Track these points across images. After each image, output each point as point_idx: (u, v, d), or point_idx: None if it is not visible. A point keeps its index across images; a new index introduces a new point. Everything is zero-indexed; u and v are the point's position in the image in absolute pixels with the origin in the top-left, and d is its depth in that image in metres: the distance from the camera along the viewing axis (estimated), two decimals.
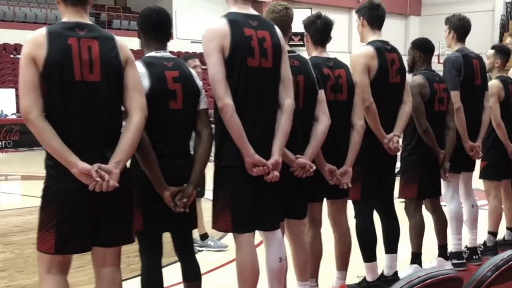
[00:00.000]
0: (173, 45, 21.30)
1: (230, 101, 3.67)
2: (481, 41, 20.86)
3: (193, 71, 3.94)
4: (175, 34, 26.41)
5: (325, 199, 4.76)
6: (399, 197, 5.46)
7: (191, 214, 3.88)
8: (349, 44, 31.18)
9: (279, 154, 3.84)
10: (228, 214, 3.84)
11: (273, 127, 3.85)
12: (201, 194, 5.78)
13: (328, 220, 4.89)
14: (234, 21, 3.75)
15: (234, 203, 3.82)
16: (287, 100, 3.87)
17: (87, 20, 3.37)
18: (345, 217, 4.87)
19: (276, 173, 3.82)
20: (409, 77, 5.18)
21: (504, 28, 31.06)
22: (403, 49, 28.40)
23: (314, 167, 4.22)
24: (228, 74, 3.69)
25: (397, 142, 4.89)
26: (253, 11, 3.87)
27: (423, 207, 5.62)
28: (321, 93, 4.31)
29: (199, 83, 3.93)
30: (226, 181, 3.84)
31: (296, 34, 26.27)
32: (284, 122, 3.86)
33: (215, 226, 3.96)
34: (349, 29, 30.90)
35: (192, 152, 3.90)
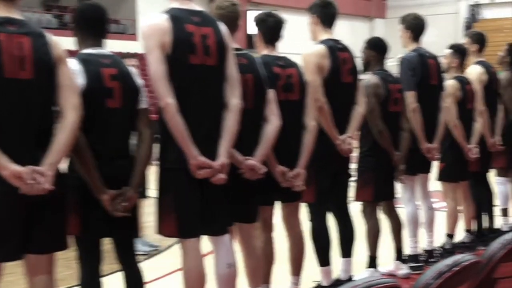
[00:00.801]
0: (137, 46, 21.05)
1: (172, 100, 3.52)
2: (446, 44, 20.84)
3: (133, 69, 3.78)
4: (140, 35, 26.06)
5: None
6: (355, 200, 5.34)
7: (133, 219, 3.71)
8: None
9: (226, 155, 3.70)
10: (172, 218, 3.67)
11: (219, 128, 3.70)
12: (142, 195, 5.59)
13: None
14: (175, 17, 3.60)
15: (179, 207, 3.66)
16: (234, 99, 3.73)
17: (17, 15, 3.20)
18: (299, 221, 4.73)
19: (223, 175, 3.68)
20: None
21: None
22: None
23: (265, 169, 4.09)
24: (170, 72, 3.53)
25: (350, 143, 4.77)
26: (195, 7, 3.72)
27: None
28: (271, 93, 4.18)
29: (139, 81, 3.76)
30: (170, 184, 3.68)
31: None
32: (230, 123, 3.71)
33: (159, 231, 3.79)
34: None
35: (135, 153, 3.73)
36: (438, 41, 15.61)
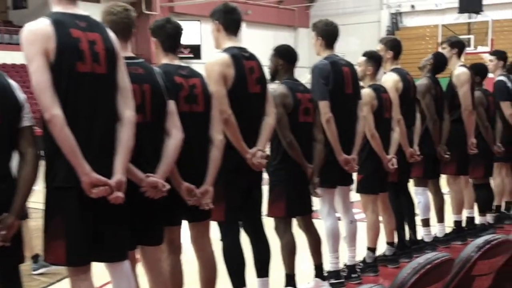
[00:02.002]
0: None
1: (58, 111, 3.18)
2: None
3: (13, 83, 3.40)
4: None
5: None
6: (268, 215, 5.07)
7: (15, 247, 3.33)
8: None
9: (122, 172, 3.39)
10: (60, 244, 3.32)
11: (113, 142, 3.39)
12: (24, 216, 5.15)
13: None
14: (59, 21, 3.26)
15: (68, 232, 3.32)
16: (127, 111, 3.44)
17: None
18: (209, 241, 4.43)
19: (120, 194, 3.36)
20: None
21: None
22: None
23: (168, 186, 3.78)
24: (55, 81, 3.20)
25: (261, 157, 4.50)
26: (80, 11, 3.39)
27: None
28: (171, 104, 3.89)
29: (21, 95, 3.39)
30: (59, 205, 3.34)
31: (186, 46, 25.88)
32: (125, 136, 3.41)
33: (45, 258, 3.44)
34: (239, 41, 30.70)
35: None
36: (361, 49, 15.54)
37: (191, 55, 26.83)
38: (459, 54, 6.97)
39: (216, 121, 4.20)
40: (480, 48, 21.58)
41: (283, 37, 32.31)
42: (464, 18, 25.94)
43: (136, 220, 3.73)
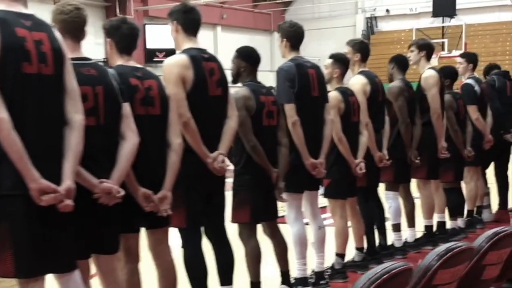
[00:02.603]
0: None
1: (5, 115, 3.02)
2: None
3: None
4: None
5: None
6: (231, 221, 4.94)
7: None
8: None
9: (71, 178, 3.24)
10: (8, 256, 3.15)
11: (61, 147, 3.25)
12: None
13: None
14: (2, 19, 3.10)
15: (16, 242, 3.14)
16: (76, 115, 3.29)
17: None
18: (168, 248, 4.28)
19: (69, 201, 3.21)
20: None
21: None
22: (269, 64, 28.51)
23: (123, 193, 3.64)
24: (0, 82, 3.04)
25: (223, 161, 4.36)
26: (25, 10, 3.23)
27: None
28: (126, 107, 3.75)
29: None
30: (4, 214, 3.15)
31: (161, 50, 25.67)
32: (74, 141, 3.27)
33: None
34: (214, 45, 30.58)
35: None
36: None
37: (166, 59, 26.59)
38: (427, 57, 6.87)
39: (174, 124, 4.07)
40: (454, 52, 21.61)
41: (259, 41, 32.14)
42: (438, 22, 26.02)
43: (89, 228, 3.59)
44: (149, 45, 24.94)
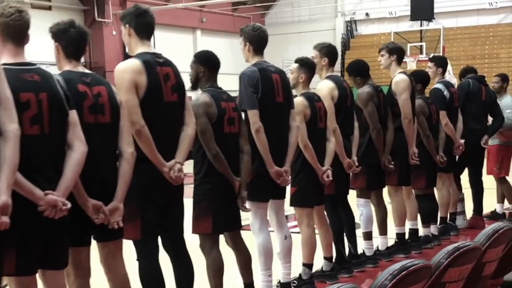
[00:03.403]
0: None
1: None
2: None
3: None
4: None
5: None
6: (193, 232, 4.77)
7: None
8: None
9: (7, 193, 3.04)
10: None
11: None
12: None
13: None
14: None
15: None
16: (10, 125, 3.11)
17: None
18: (121, 262, 4.09)
19: (5, 218, 3.02)
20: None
21: (345, 47, 31.71)
22: None
23: (69, 205, 3.45)
24: None
25: (180, 170, 4.19)
26: None
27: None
28: (73, 114, 3.56)
29: None
30: None
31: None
32: (9, 152, 3.08)
33: None
34: (194, 49, 30.41)
35: None
36: None
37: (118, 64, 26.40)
38: (398, 61, 6.73)
39: (125, 132, 3.89)
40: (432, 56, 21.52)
41: (239, 44, 31.90)
42: (418, 25, 26.01)
43: (35, 242, 3.41)
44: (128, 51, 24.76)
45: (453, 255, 2.74)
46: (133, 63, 4.11)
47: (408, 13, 25.73)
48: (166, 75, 4.19)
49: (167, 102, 4.18)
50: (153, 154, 4.09)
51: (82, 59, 21.34)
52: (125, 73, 4.06)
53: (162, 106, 4.16)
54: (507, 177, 8.69)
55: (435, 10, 25.68)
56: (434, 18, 24.59)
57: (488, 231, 3.05)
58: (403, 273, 2.49)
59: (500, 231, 3.08)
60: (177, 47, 25.07)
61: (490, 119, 8.32)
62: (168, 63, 4.26)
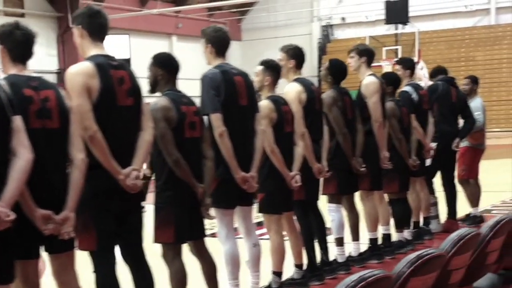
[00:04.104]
0: None
1: None
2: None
3: None
4: None
5: None
6: (154, 241, 4.58)
7: None
8: None
9: None
10: None
11: None
12: None
13: None
14: None
15: None
16: None
17: None
18: (74, 275, 3.90)
19: None
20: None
21: (322, 51, 31.76)
22: None
23: (13, 216, 3.25)
24: None
25: (137, 177, 4.01)
26: None
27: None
28: (17, 120, 3.37)
29: None
30: None
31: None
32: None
33: None
34: None
35: None
36: None
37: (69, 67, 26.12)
38: (368, 63, 6.60)
39: (76, 138, 3.70)
40: None
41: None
42: (394, 29, 26.04)
43: None
44: None
45: (415, 264, 2.59)
46: (85, 66, 3.92)
47: (383, 17, 25.75)
48: (120, 79, 4.01)
49: (121, 106, 4.00)
50: (107, 160, 3.91)
51: (56, 66, 21.07)
52: (77, 76, 3.88)
53: (116, 110, 3.98)
54: (471, 180, 8.55)
55: (411, 14, 25.72)
56: (409, 22, 24.62)
57: (454, 238, 2.96)
58: (361, 284, 2.33)
59: (466, 237, 2.93)
60: (152, 53, 24.84)
61: (461, 121, 8.20)
62: (122, 66, 4.08)
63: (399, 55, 21.99)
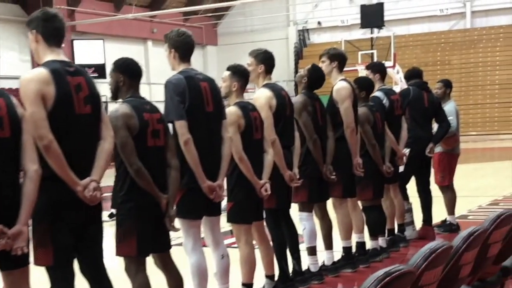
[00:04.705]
0: None
1: None
2: (278, 69, 20.82)
3: None
4: None
5: None
6: (116, 254, 4.40)
7: None
8: (147, 75, 30.23)
9: None
10: None
11: None
12: None
13: None
14: None
15: None
16: None
17: None
18: None
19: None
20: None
21: (298, 56, 31.69)
22: None
23: None
24: None
25: (96, 189, 3.82)
26: None
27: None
28: None
29: None
30: None
31: (90, 66, 25.00)
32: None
33: None
34: (146, 60, 30.04)
35: None
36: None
37: (96, 75, 25.91)
38: (340, 68, 6.45)
39: (29, 148, 3.51)
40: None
41: (192, 55, 31.76)
42: (369, 33, 26.02)
43: None
44: (78, 61, 24.28)
45: (383, 281, 2.43)
46: (39, 72, 3.73)
47: (359, 21, 25.72)
48: (77, 85, 3.81)
49: (79, 114, 3.81)
50: (64, 171, 3.72)
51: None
52: (30, 83, 3.68)
53: (73, 118, 3.78)
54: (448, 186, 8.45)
55: (387, 18, 25.74)
56: (384, 26, 24.60)
57: (425, 251, 2.77)
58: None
59: (438, 251, 2.77)
60: None
61: (435, 126, 8.09)
62: (80, 72, 3.89)
63: (375, 59, 21.93)
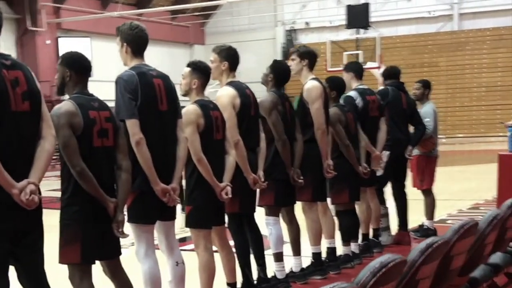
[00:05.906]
0: None
1: None
2: (265, 70, 20.71)
3: None
4: None
5: None
6: (60, 262, 4.13)
7: None
8: None
9: None
10: None
11: None
12: None
13: None
14: None
15: None
16: None
17: None
18: None
19: None
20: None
21: (286, 56, 31.39)
22: None
23: None
24: None
25: (34, 192, 3.53)
26: None
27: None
28: None
29: None
30: None
31: None
32: None
33: None
34: None
35: None
36: (257, 67, 15.01)
37: None
38: (310, 66, 6.20)
39: None
40: (369, 64, 21.24)
41: (179, 53, 31.65)
42: (356, 34, 25.83)
43: None
44: None
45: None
46: None
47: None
48: (14, 80, 3.52)
49: (15, 111, 3.52)
50: (1, 175, 3.43)
51: None
52: None
53: (9, 116, 3.49)
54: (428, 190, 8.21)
55: (375, 19, 25.55)
56: (370, 26, 24.37)
57: (374, 267, 2.57)
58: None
59: (389, 265, 2.54)
60: (114, 57, 24.34)
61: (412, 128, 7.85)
62: (18, 66, 3.60)
63: (360, 60, 21.70)
